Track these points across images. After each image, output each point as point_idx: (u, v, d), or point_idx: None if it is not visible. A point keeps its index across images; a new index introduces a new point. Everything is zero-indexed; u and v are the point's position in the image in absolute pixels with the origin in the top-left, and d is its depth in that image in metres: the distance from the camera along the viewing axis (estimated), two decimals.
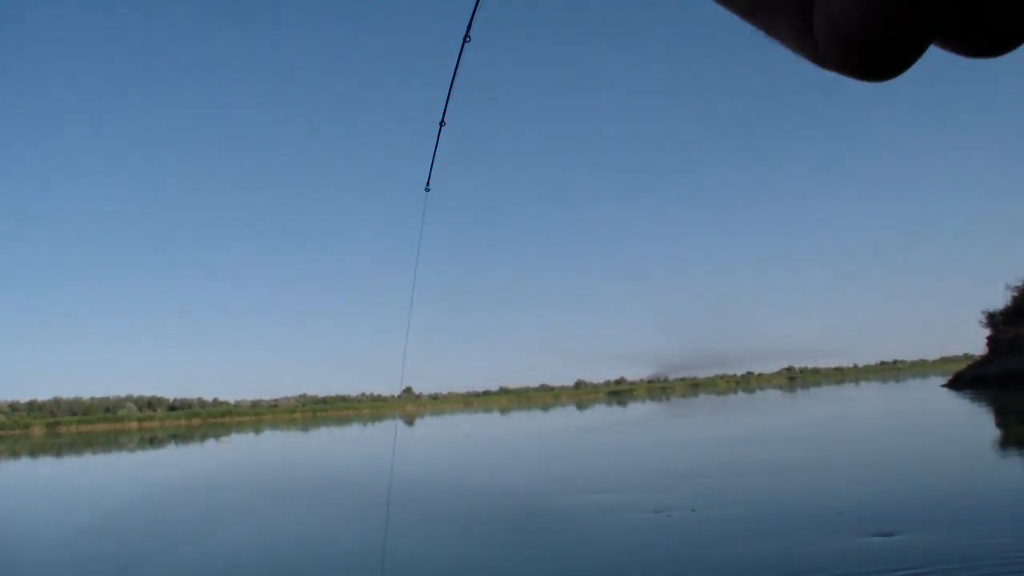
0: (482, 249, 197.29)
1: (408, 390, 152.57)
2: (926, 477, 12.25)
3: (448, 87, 3.33)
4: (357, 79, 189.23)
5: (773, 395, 67.32)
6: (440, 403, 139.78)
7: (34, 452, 47.95)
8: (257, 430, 66.67)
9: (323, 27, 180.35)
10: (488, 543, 9.51)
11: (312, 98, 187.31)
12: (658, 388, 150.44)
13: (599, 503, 11.96)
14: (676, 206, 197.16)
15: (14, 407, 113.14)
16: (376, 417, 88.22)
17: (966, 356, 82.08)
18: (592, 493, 13.18)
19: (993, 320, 48.92)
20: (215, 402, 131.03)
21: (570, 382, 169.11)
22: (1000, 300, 49.19)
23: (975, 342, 58.16)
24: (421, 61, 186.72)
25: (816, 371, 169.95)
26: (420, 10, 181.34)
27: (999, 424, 22.64)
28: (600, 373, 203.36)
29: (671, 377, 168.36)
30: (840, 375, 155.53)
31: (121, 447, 48.04)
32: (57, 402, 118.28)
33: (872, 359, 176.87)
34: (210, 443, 47.63)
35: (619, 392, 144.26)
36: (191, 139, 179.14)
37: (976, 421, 23.46)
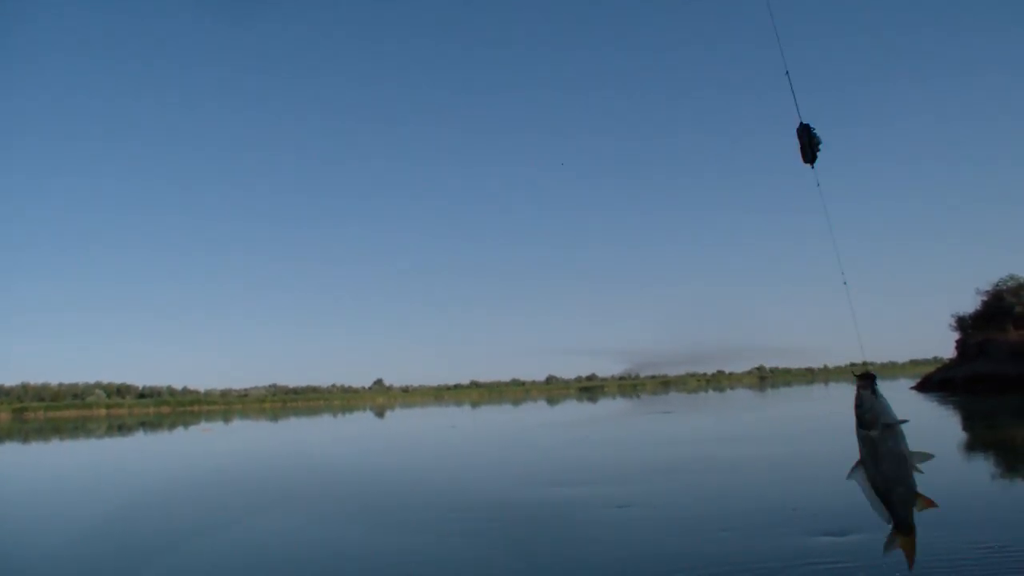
0: (455, 243, 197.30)
1: (379, 381, 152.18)
2: None
3: None
4: (353, 78, 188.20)
5: (743, 394, 67.85)
6: (411, 396, 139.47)
7: (27, 437, 47.21)
8: (227, 418, 66.09)
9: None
10: (455, 534, 9.44)
11: (303, 96, 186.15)
12: (629, 385, 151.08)
13: (563, 497, 11.96)
14: (650, 204, 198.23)
15: None
16: (347, 408, 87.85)
17: (935, 359, 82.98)
18: (557, 486, 13.18)
19: (963, 324, 49.51)
20: (184, 390, 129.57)
21: (541, 377, 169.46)
22: (970, 304, 49.80)
23: (945, 346, 58.84)
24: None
25: (787, 371, 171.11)
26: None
27: (964, 427, 22.92)
28: (571, 369, 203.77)
29: (642, 374, 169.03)
30: (810, 375, 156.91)
31: (89, 433, 47.40)
32: (24, 388, 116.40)
33: (842, 360, 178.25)
34: (193, 430, 47.12)
35: (590, 388, 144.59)
36: (170, 130, 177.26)
37: (940, 424, 23.71)
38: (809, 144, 3.86)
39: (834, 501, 10.22)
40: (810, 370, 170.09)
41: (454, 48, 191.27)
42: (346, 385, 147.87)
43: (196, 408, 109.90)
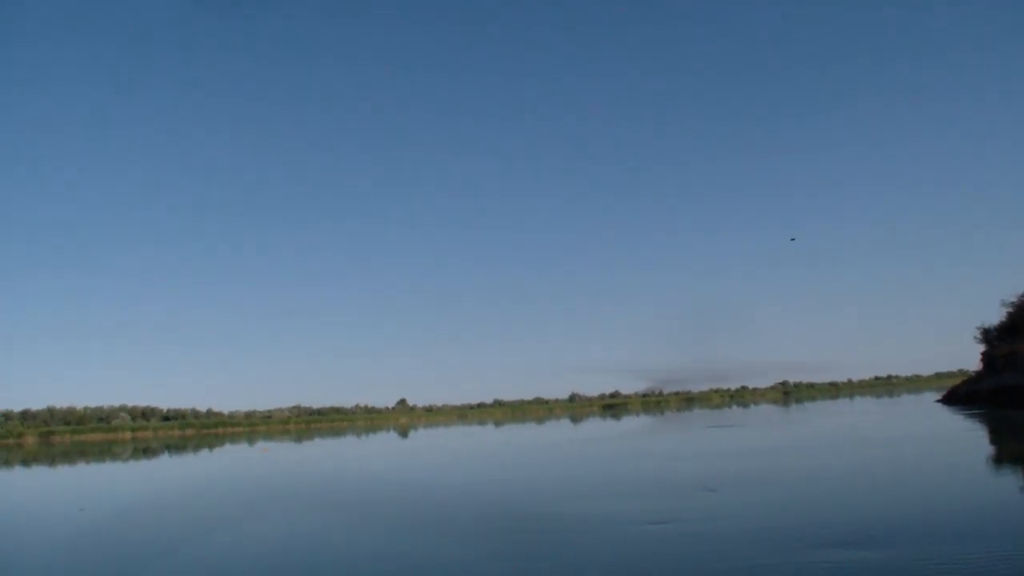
0: (476, 262, 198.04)
1: (403, 401, 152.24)
2: (910, 492, 12.39)
3: None
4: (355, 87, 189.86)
5: (767, 409, 67.37)
6: (434, 415, 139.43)
7: (42, 459, 47.72)
8: (252, 440, 66.43)
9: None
10: (496, 546, 9.69)
11: (315, 97, 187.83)
12: (652, 401, 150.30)
13: (600, 512, 12.23)
14: (672, 219, 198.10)
15: (7, 416, 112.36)
16: (370, 428, 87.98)
17: (961, 372, 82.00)
18: (593, 500, 13.48)
19: (988, 336, 49.00)
20: (208, 412, 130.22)
21: (564, 395, 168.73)
22: (995, 316, 49.29)
23: (970, 358, 58.36)
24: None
25: (811, 386, 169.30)
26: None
27: (991, 441, 22.76)
28: (594, 386, 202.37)
29: (665, 391, 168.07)
30: (835, 390, 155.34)
31: (119, 456, 47.88)
32: (51, 411, 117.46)
33: (867, 374, 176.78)
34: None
35: (613, 405, 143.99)
36: (187, 141, 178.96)
37: (966, 437, 23.57)
38: None
39: (856, 516, 10.30)
40: (834, 385, 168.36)
41: (466, 62, 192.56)
42: (369, 405, 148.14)
43: (221, 431, 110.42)
